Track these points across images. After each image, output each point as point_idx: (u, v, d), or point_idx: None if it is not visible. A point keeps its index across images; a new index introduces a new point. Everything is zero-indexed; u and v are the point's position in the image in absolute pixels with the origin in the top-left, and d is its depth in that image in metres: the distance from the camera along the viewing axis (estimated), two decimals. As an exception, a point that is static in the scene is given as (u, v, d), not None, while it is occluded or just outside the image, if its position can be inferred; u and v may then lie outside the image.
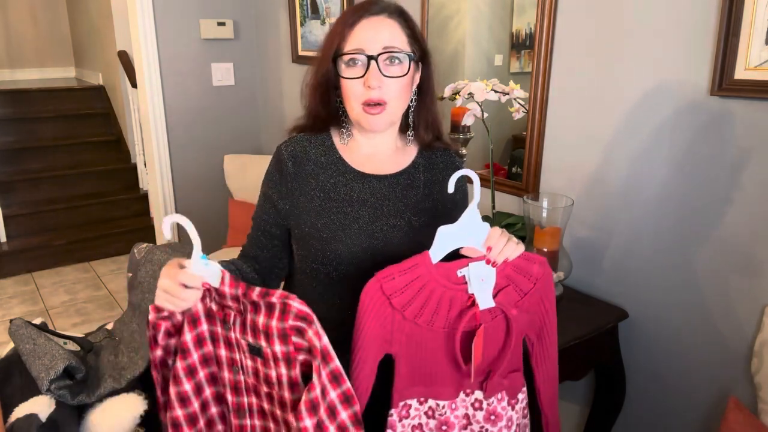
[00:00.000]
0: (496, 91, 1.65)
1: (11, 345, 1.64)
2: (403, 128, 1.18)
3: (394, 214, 1.12)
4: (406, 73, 1.06)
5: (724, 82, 1.28)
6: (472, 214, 0.97)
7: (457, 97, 1.66)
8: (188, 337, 0.92)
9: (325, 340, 0.87)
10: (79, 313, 3.22)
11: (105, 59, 4.89)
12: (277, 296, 0.88)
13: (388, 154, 1.17)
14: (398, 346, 0.97)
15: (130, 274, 1.98)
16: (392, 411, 1.00)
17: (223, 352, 0.94)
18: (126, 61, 3.99)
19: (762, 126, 1.26)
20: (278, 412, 0.91)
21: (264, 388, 0.92)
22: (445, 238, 0.97)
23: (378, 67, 1.03)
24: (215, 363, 0.96)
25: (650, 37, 1.42)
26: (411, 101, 1.13)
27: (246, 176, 2.92)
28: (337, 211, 1.11)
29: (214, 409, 0.98)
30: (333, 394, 0.87)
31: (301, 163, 1.14)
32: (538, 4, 1.64)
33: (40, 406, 1.38)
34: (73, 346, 1.68)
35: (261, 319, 0.89)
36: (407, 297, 0.95)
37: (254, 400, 0.94)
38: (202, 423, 0.97)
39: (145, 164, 4.08)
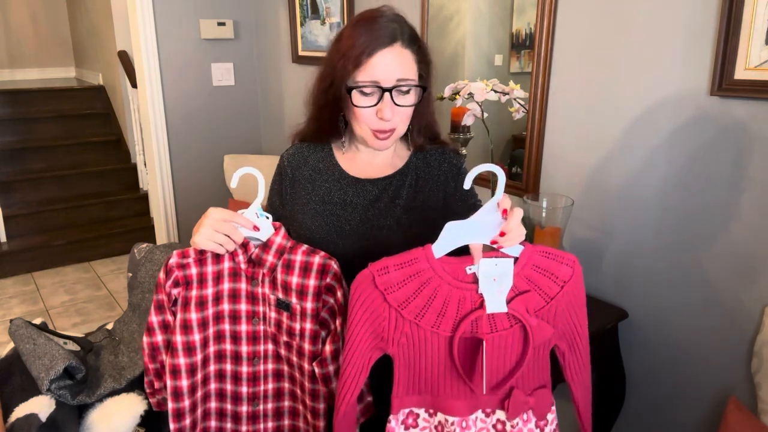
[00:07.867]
0: (496, 91, 1.65)
1: (11, 345, 1.64)
2: None
3: (384, 215, 1.14)
4: (416, 102, 1.08)
5: (724, 82, 1.28)
6: (489, 211, 0.87)
7: (457, 97, 1.66)
8: (205, 292, 1.02)
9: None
10: (79, 313, 3.21)
11: (105, 59, 4.88)
12: (320, 255, 1.01)
13: (385, 158, 1.20)
14: (396, 346, 0.88)
15: (130, 274, 1.98)
16: (391, 417, 0.92)
17: (243, 306, 1.04)
18: (126, 61, 3.99)
19: (762, 126, 1.26)
20: (294, 358, 1.03)
21: (284, 337, 1.03)
22: (453, 233, 0.87)
23: (391, 98, 1.05)
24: (230, 319, 1.04)
25: (650, 36, 1.42)
26: None
27: (246, 176, 2.91)
28: (330, 214, 1.15)
29: (212, 367, 1.06)
30: (341, 343, 0.99)
31: (300, 169, 1.20)
32: (538, 4, 1.64)
33: (40, 406, 1.38)
34: (73, 346, 1.68)
35: (294, 279, 1.00)
36: (405, 294, 0.86)
37: (270, 347, 1.06)
38: (199, 375, 1.06)
39: (145, 164, 4.08)
